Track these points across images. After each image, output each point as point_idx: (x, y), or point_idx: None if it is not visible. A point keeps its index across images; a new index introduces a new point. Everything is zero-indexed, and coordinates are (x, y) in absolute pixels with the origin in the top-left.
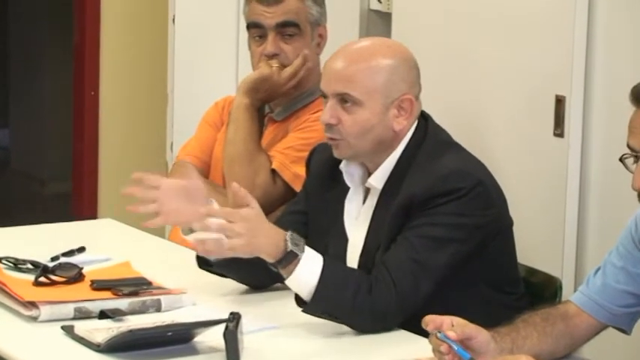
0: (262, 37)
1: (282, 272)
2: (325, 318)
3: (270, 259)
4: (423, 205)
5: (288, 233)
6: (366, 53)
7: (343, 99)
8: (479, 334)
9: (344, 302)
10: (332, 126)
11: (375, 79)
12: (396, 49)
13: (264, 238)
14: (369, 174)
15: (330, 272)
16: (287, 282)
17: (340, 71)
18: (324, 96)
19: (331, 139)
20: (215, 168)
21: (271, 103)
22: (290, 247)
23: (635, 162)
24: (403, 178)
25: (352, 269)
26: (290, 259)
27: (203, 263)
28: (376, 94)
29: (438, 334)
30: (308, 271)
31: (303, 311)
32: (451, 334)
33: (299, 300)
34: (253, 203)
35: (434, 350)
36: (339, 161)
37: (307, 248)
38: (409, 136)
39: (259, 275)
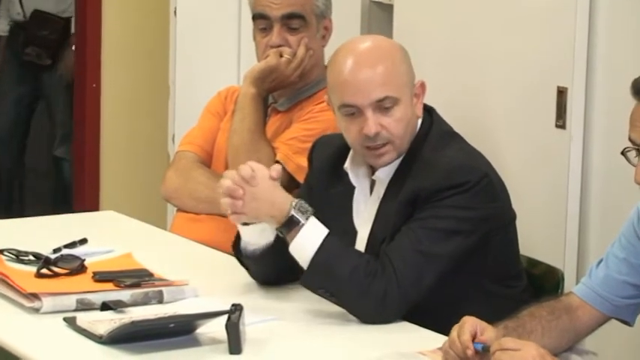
0: (268, 28)
1: (287, 239)
2: (323, 296)
3: (273, 224)
4: (429, 199)
5: (296, 200)
6: (381, 51)
7: (382, 104)
8: (487, 329)
9: (339, 278)
10: (377, 134)
11: (401, 73)
12: (392, 42)
13: (267, 202)
14: (373, 168)
15: (330, 245)
16: (290, 250)
17: (372, 78)
18: (350, 110)
19: (375, 147)
20: (217, 158)
21: (275, 93)
22: (292, 212)
23: (637, 155)
24: (409, 170)
25: (356, 250)
26: (292, 225)
27: (238, 252)
28: (406, 88)
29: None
30: (309, 240)
31: (300, 284)
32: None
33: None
34: (260, 171)
35: (445, 351)
36: (343, 157)
37: (313, 218)
38: (418, 127)
39: (284, 272)
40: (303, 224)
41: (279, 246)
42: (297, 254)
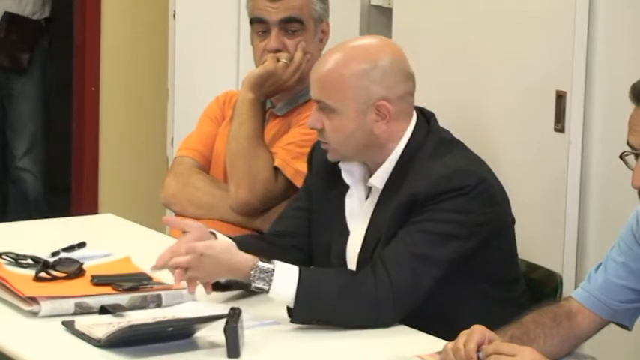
0: (265, 32)
1: (263, 289)
2: (318, 323)
3: (244, 280)
4: (426, 203)
5: (256, 263)
6: (340, 60)
7: (321, 105)
8: (494, 340)
9: (329, 304)
10: (319, 130)
11: (345, 86)
12: (373, 53)
13: (229, 271)
14: (370, 173)
15: (306, 278)
16: (269, 296)
17: (316, 79)
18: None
19: (323, 143)
20: (216, 163)
21: (273, 98)
22: (259, 263)
23: (636, 160)
24: (405, 177)
25: (333, 270)
26: (260, 275)
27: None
28: (348, 101)
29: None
30: (284, 283)
31: (293, 322)
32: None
33: (290, 311)
34: (213, 238)
35: (445, 351)
36: None
37: (279, 263)
38: (408, 136)
39: None
40: (272, 269)
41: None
42: (278, 298)
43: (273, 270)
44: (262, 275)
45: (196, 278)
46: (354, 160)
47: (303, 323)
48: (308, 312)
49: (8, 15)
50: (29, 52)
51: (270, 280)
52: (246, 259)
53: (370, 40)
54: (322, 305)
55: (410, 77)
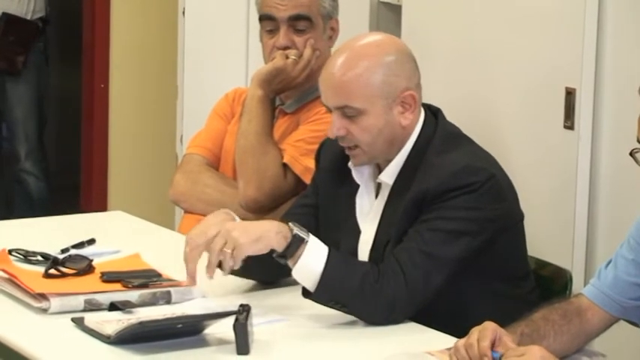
0: (274, 29)
1: (289, 262)
2: (333, 307)
3: (278, 248)
4: (435, 200)
5: (291, 223)
6: (355, 60)
7: (344, 112)
8: (504, 337)
9: (351, 289)
10: (343, 136)
11: (369, 84)
12: (383, 47)
13: (266, 230)
14: (380, 169)
15: (335, 259)
16: (294, 272)
17: (334, 84)
18: (328, 109)
19: (347, 148)
20: (225, 160)
21: (282, 95)
22: (295, 230)
23: None
24: (414, 173)
25: (358, 260)
26: (297, 243)
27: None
28: (375, 99)
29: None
30: (314, 258)
31: (311, 299)
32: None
33: (306, 292)
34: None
35: (456, 349)
36: (349, 157)
37: (312, 236)
38: (417, 131)
39: (276, 272)
40: (307, 241)
41: (260, 257)
42: (302, 275)
43: (306, 241)
44: (301, 228)
45: (232, 255)
46: (379, 160)
47: (320, 302)
48: (331, 291)
49: (6, 16)
50: (24, 54)
51: (308, 236)
52: (276, 223)
53: (374, 36)
54: (345, 288)
55: (417, 66)
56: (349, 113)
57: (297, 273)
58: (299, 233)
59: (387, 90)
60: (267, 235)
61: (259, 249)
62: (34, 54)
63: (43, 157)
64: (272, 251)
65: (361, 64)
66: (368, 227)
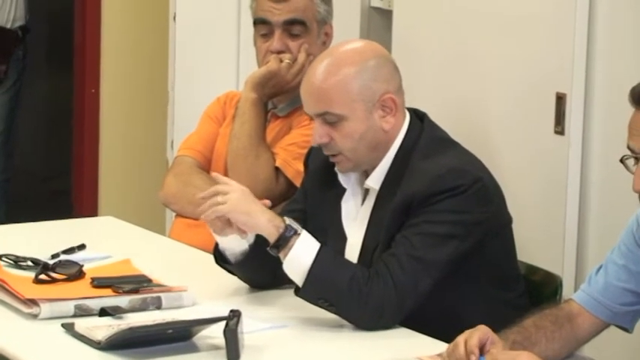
0: (269, 33)
1: (280, 254)
2: (322, 306)
3: (268, 236)
4: (422, 204)
5: (286, 217)
6: (334, 67)
7: (324, 118)
8: (497, 343)
9: (339, 287)
10: (326, 144)
11: (348, 89)
12: (362, 53)
13: (260, 212)
14: (367, 175)
15: (326, 255)
16: (284, 265)
17: (314, 91)
18: (311, 117)
19: (331, 156)
20: (216, 162)
21: (275, 99)
22: (288, 222)
23: (636, 163)
24: (400, 177)
25: (349, 260)
26: (289, 235)
27: (221, 260)
28: (355, 104)
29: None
30: (304, 251)
31: (298, 295)
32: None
33: (297, 289)
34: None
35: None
36: None
37: (306, 232)
38: (402, 135)
39: (269, 275)
40: (300, 233)
41: (255, 254)
42: (292, 266)
43: (299, 234)
44: (288, 233)
45: (223, 208)
46: (364, 167)
47: (309, 299)
48: (319, 287)
49: None
50: (6, 63)
51: (301, 230)
52: (273, 214)
53: (353, 44)
54: (333, 285)
55: (398, 70)
56: (330, 120)
57: (287, 265)
58: (292, 225)
59: (366, 94)
60: (258, 216)
61: (243, 221)
62: (13, 62)
63: (8, 164)
64: (266, 244)
65: (340, 71)
66: (355, 232)
